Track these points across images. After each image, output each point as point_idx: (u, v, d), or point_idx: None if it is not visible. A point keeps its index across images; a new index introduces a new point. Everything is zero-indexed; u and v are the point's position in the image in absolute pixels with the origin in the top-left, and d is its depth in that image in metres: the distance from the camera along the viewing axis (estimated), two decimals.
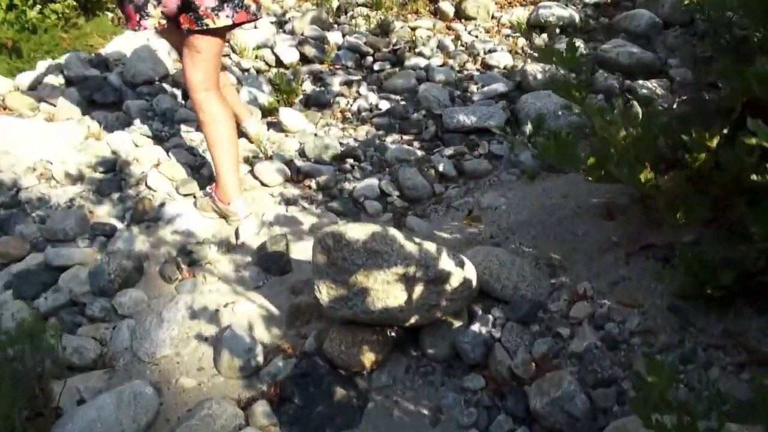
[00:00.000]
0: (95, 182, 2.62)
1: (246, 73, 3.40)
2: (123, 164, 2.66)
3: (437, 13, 3.87)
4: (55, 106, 3.23)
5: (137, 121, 3.00)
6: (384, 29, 3.72)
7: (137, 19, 2.04)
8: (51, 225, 2.35)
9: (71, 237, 2.34)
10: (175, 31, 2.09)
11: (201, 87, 2.15)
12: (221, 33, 2.11)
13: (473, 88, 2.98)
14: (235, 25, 2.10)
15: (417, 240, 1.58)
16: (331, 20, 3.96)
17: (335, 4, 4.19)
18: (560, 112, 2.50)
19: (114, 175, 2.66)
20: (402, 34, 3.67)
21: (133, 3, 2.02)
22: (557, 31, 3.28)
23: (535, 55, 2.39)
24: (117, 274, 2.07)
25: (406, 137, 2.71)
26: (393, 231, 1.56)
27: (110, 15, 4.62)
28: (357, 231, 1.54)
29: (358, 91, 3.14)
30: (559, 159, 1.58)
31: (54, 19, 4.27)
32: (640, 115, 1.33)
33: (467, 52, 3.34)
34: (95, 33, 4.40)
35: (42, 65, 3.57)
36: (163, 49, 3.44)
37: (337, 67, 3.42)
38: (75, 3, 4.30)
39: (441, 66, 3.22)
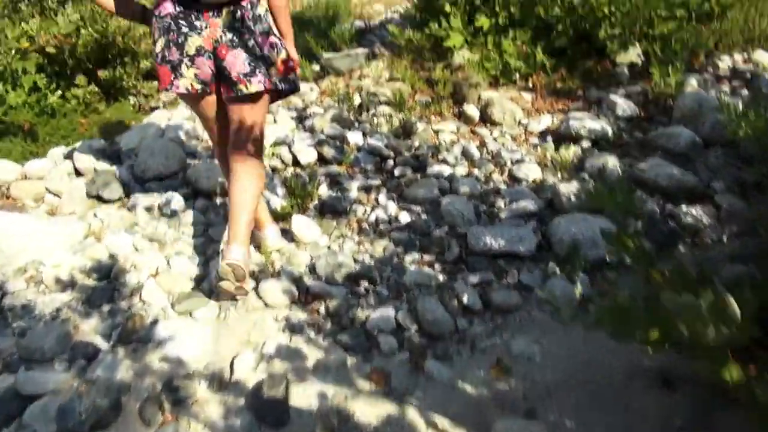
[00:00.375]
0: (87, 290, 2.39)
1: None
2: (119, 272, 2.43)
3: (461, 116, 3.73)
4: (60, 197, 3.07)
5: (142, 221, 2.81)
6: (406, 131, 3.58)
7: (171, 78, 2.02)
8: (30, 341, 2.09)
9: (49, 357, 2.07)
10: (207, 98, 2.11)
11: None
12: (255, 98, 2.08)
13: (500, 203, 2.76)
14: (268, 91, 2.09)
15: (439, 426, 1.29)
16: (352, 117, 3.84)
17: (357, 100, 4.09)
18: (599, 242, 2.24)
19: (108, 283, 2.42)
20: (425, 136, 3.52)
21: (170, 62, 2.00)
22: (589, 144, 3.09)
23: (582, 196, 2.17)
24: (89, 414, 1.78)
25: (426, 257, 2.46)
26: (412, 414, 1.28)
27: (132, 100, 4.57)
28: (368, 410, 1.26)
29: (376, 199, 2.93)
30: (617, 331, 1.31)
31: (74, 104, 4.21)
32: (738, 314, 1.06)
33: (493, 161, 3.15)
34: (114, 119, 4.32)
35: (53, 153, 3.45)
36: (175, 144, 3.31)
37: (355, 170, 3.24)
38: (97, 89, 4.25)
39: (466, 176, 3.02)
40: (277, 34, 2.11)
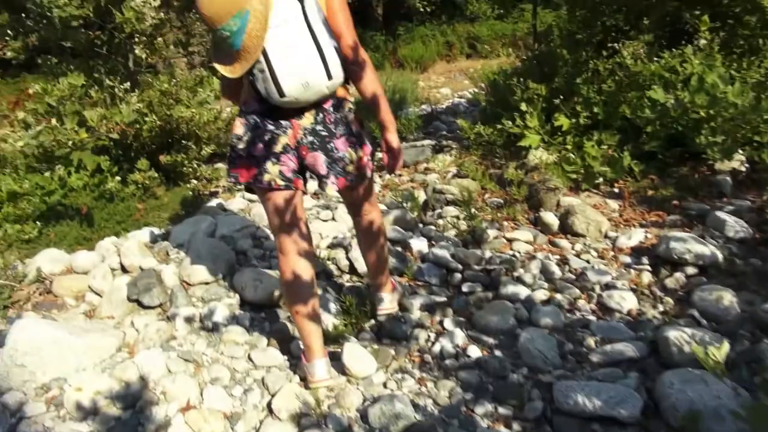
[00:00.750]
0: (109, 422, 2.08)
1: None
2: (146, 402, 2.12)
3: (538, 223, 3.35)
4: (101, 297, 2.85)
5: (180, 334, 2.53)
6: (476, 238, 3.22)
7: (255, 173, 2.01)
8: None
9: None
10: (286, 193, 2.06)
11: None
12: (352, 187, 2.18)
13: (590, 341, 2.32)
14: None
15: None
16: (416, 218, 3.53)
17: (422, 196, 3.80)
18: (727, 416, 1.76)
19: (132, 414, 2.12)
20: (496, 245, 3.15)
21: (255, 157, 1.99)
22: (695, 271, 2.64)
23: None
24: None
25: (502, 410, 2.03)
26: None
27: (192, 184, 4.45)
28: None
29: (441, 323, 2.55)
30: None
31: (132, 189, 4.11)
32: None
33: (578, 283, 2.73)
34: (171, 205, 4.19)
35: (102, 245, 3.28)
36: (224, 244, 3.07)
37: (419, 283, 2.88)
38: (156, 174, 4.15)
39: (546, 301, 2.60)
40: (360, 133, 2.11)
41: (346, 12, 1.96)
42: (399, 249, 3.15)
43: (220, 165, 5.22)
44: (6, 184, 3.83)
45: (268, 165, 1.98)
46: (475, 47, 12.76)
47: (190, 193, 4.36)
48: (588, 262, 2.92)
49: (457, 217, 3.48)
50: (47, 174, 3.85)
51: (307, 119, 1.98)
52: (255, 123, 1.99)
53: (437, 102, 8.28)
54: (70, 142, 3.13)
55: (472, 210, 3.46)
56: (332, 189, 2.04)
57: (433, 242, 3.23)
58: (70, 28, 3.67)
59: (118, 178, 3.96)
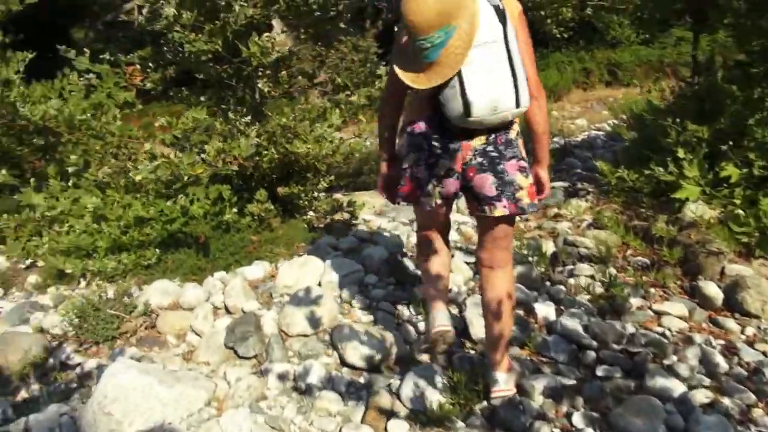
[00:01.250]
0: None
1: (420, 335, 2.63)
2: None
3: (695, 295, 2.76)
4: (201, 337, 2.74)
5: (271, 393, 2.31)
6: (615, 307, 2.71)
7: (417, 195, 2.05)
8: None
9: None
10: (443, 212, 2.20)
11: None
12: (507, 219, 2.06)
13: None
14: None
15: None
16: (542, 274, 3.09)
17: (550, 247, 3.34)
18: None
19: None
20: (641, 318, 2.62)
21: (417, 179, 2.02)
22: None
23: None
24: None
25: None
26: None
27: (308, 216, 4.34)
28: None
29: (568, 417, 2.10)
30: None
31: (248, 220, 4.06)
32: None
33: (753, 384, 2.14)
34: (285, 239, 4.09)
35: (210, 282, 3.20)
36: (328, 293, 2.85)
37: (543, 358, 2.45)
38: (272, 206, 4.07)
39: (708, 406, 2.06)
40: (526, 158, 2.03)
41: (531, 42, 1.96)
42: (521, 312, 2.73)
43: (338, 196, 5.11)
44: (134, 210, 3.94)
45: (430, 187, 2.01)
46: (615, 74, 11.86)
47: (305, 226, 4.25)
48: (765, 354, 2.31)
49: (592, 278, 2.99)
50: (170, 203, 3.91)
51: (479, 140, 1.95)
52: (420, 144, 1.98)
53: (571, 134, 7.67)
54: (185, 177, 3.11)
55: (611, 270, 2.95)
56: (503, 212, 1.96)
57: (562, 307, 2.78)
58: (201, 61, 3.72)
59: (235, 209, 3.93)
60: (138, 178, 2.85)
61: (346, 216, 4.35)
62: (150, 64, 4.48)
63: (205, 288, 3.12)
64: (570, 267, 3.15)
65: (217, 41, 3.52)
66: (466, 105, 1.79)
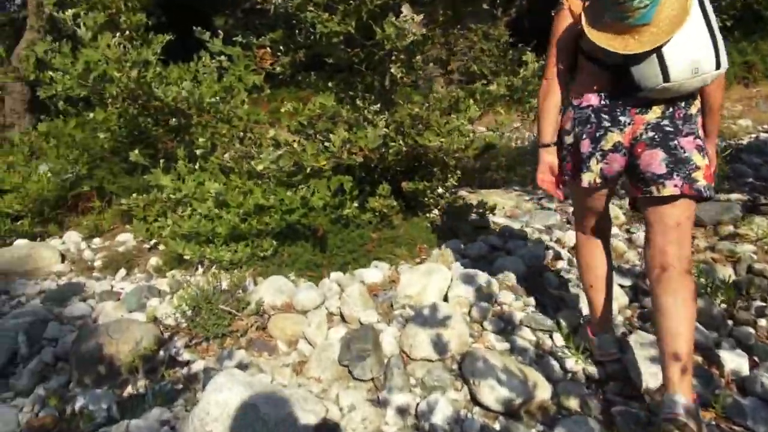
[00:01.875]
0: None
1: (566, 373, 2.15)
2: None
3: None
4: (313, 347, 2.46)
5: (389, 430, 1.96)
6: None
7: (576, 170, 1.92)
8: None
9: None
10: (602, 191, 1.98)
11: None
12: (674, 200, 1.78)
13: None
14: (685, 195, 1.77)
15: None
16: (723, 310, 2.47)
17: (730, 276, 2.69)
18: None
19: None
20: None
21: (580, 154, 1.89)
22: None
23: None
24: None
25: None
26: None
27: (434, 213, 3.97)
28: None
29: None
30: None
31: (369, 216, 3.75)
32: None
33: None
34: (407, 238, 3.74)
35: (326, 283, 2.93)
36: (459, 310, 2.44)
37: (735, 427, 1.88)
38: (395, 202, 3.73)
39: None
40: (703, 137, 1.84)
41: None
42: (699, 359, 2.16)
43: (464, 193, 4.68)
44: (254, 197, 3.78)
45: (592, 162, 1.86)
46: None
47: (428, 225, 3.87)
48: None
49: None
50: (290, 192, 3.70)
51: (654, 113, 1.79)
52: (587, 117, 1.86)
53: (734, 136, 6.61)
54: (308, 169, 2.84)
55: None
56: (673, 191, 1.74)
57: (756, 358, 2.16)
58: (332, 44, 3.45)
59: (356, 203, 3.63)
60: (260, 167, 2.62)
61: (474, 216, 3.92)
62: (281, 47, 4.30)
63: (320, 290, 2.84)
64: (760, 304, 2.50)
65: (351, 22, 3.22)
66: (664, 69, 1.65)
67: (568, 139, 1.93)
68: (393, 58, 3.57)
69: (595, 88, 1.85)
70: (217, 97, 3.86)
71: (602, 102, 1.84)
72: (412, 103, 3.29)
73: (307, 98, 4.19)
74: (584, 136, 1.86)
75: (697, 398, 1.72)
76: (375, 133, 3.08)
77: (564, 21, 1.92)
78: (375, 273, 2.99)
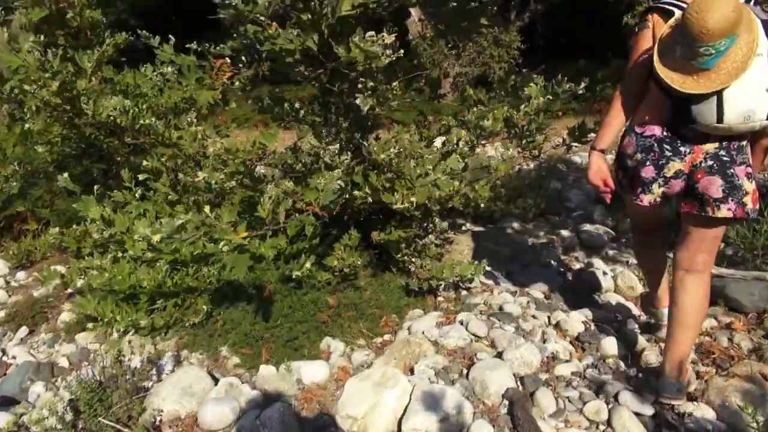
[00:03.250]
0: None
1: None
2: None
3: None
4: None
5: None
6: None
7: (638, 191, 2.03)
8: None
9: None
10: (659, 211, 2.18)
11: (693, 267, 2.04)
12: (717, 221, 1.96)
13: None
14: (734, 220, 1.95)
15: None
16: None
17: None
18: None
19: None
20: None
21: (641, 179, 1.99)
22: None
23: None
24: None
25: None
26: None
27: (413, 269, 3.22)
28: None
29: None
30: None
31: (327, 277, 3.00)
32: None
33: None
34: (372, 305, 3.00)
35: (243, 393, 2.19)
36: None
37: None
38: (359, 260, 2.98)
39: None
40: (752, 163, 1.95)
41: None
42: None
43: (453, 235, 3.91)
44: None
45: (654, 186, 1.99)
46: None
47: (403, 285, 3.13)
48: None
49: None
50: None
51: (712, 145, 1.90)
52: (650, 146, 1.96)
53: None
54: (223, 246, 2.09)
55: None
56: (726, 214, 1.90)
57: None
58: (288, 64, 2.69)
59: (311, 262, 2.85)
60: (156, 238, 1.88)
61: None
62: (243, 58, 3.52)
63: (231, 403, 2.10)
64: None
65: (309, 38, 2.47)
66: (720, 112, 1.76)
67: (629, 162, 2.02)
68: (360, 85, 2.80)
69: (657, 116, 1.94)
70: (152, 119, 3.10)
71: (664, 133, 1.94)
72: (380, 146, 2.53)
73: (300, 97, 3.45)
74: (647, 163, 1.96)
75: (688, 377, 2.11)
76: (329, 186, 2.33)
77: (646, 41, 1.96)
78: (317, 370, 2.28)
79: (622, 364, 2.32)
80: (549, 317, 2.68)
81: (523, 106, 2.80)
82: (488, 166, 3.17)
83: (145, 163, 3.35)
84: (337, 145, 2.66)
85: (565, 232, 4.00)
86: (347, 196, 2.67)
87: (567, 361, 2.30)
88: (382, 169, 2.54)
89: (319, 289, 2.97)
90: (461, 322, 2.61)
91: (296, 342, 2.69)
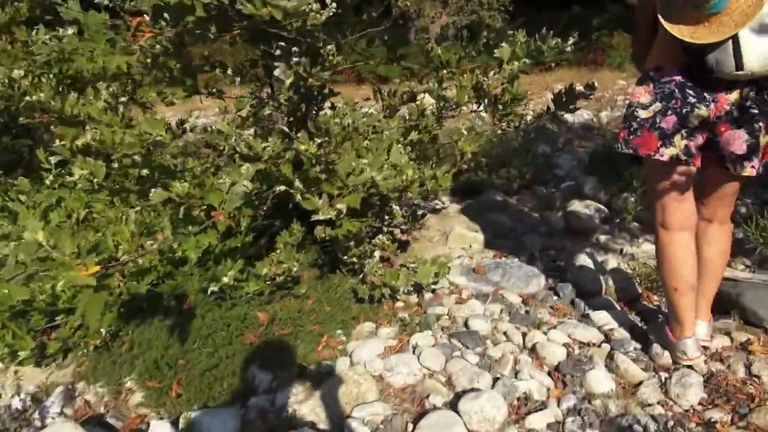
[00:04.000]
0: None
1: None
2: None
3: None
4: None
5: None
6: None
7: (657, 145, 1.77)
8: None
9: None
10: (683, 170, 1.83)
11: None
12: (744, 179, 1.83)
13: None
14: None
15: None
16: None
17: None
18: None
19: None
20: None
21: (661, 129, 1.76)
22: None
23: None
24: None
25: None
26: None
27: (367, 269, 2.69)
28: None
29: None
30: None
31: (260, 285, 2.46)
32: None
33: None
34: (313, 320, 2.48)
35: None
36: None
37: None
38: (297, 265, 2.44)
39: None
40: None
41: None
42: None
43: (416, 233, 3.34)
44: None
45: (676, 138, 1.76)
46: None
47: (353, 290, 2.60)
48: None
49: None
50: (150, 241, 2.39)
51: (737, 93, 1.69)
52: (670, 92, 1.74)
53: None
54: (61, 286, 1.51)
55: None
56: (750, 172, 1.74)
57: None
58: (200, 20, 2.07)
59: (239, 265, 2.32)
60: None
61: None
62: (164, 15, 2.86)
63: None
64: None
65: None
66: (738, 58, 1.57)
67: (644, 113, 1.79)
68: (294, 47, 2.17)
69: (674, 59, 1.72)
70: (44, 93, 2.51)
71: (684, 77, 1.73)
72: (316, 131, 1.93)
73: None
74: (669, 112, 1.75)
75: (712, 318, 2.06)
76: (233, 188, 1.75)
77: None
78: (223, 426, 1.74)
79: (611, 406, 1.82)
80: (524, 337, 2.16)
81: (492, 72, 2.19)
82: (456, 142, 2.61)
83: (56, 144, 2.75)
84: (254, 127, 2.05)
85: (550, 214, 3.45)
86: (276, 191, 2.10)
87: (542, 407, 1.79)
88: (311, 161, 1.96)
89: (250, 300, 2.44)
90: (414, 349, 2.08)
91: (215, 372, 2.17)
